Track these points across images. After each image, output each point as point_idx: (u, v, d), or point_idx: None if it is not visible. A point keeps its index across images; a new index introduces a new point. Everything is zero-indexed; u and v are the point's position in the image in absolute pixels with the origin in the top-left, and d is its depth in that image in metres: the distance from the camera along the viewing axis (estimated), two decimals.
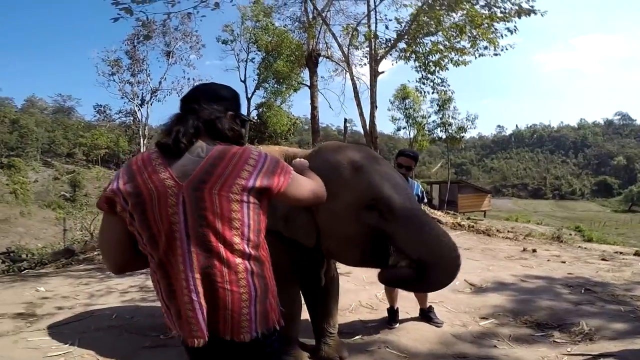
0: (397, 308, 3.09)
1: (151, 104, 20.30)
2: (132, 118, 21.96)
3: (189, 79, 19.42)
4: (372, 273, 4.72)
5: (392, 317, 3.05)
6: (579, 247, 7.07)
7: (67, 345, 2.72)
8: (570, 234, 9.13)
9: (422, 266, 1.58)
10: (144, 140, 19.90)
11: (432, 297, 3.23)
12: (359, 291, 3.92)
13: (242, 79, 21.14)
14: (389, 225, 1.62)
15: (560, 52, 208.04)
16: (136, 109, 20.51)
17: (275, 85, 18.11)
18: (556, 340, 2.68)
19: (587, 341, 2.63)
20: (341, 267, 4.81)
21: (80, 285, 4.63)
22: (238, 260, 0.98)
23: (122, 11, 3.83)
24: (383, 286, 3.16)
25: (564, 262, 5.40)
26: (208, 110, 1.09)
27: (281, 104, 20.45)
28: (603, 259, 5.64)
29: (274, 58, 15.95)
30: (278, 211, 1.69)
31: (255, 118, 21.76)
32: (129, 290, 4.23)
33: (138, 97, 20.34)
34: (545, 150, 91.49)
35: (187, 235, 0.96)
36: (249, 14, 16.57)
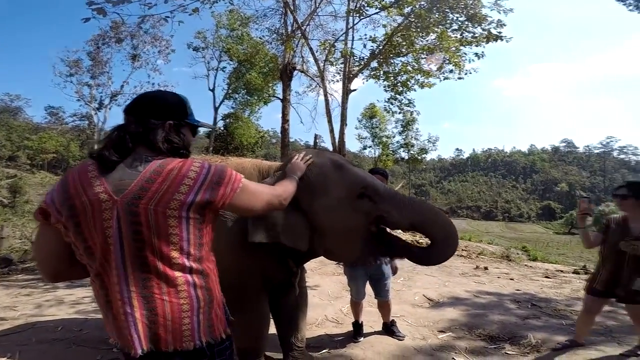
0: (362, 322, 3.15)
1: (110, 109, 19.41)
2: (87, 122, 20.84)
3: (153, 84, 18.88)
4: (338, 288, 4.77)
5: (357, 331, 3.10)
6: (526, 265, 7.58)
7: (5, 358, 2.51)
8: (518, 254, 9.75)
9: (423, 232, 1.81)
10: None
11: (394, 312, 3.35)
12: (326, 306, 3.96)
13: (211, 88, 20.81)
14: (381, 207, 1.78)
15: (518, 79, 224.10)
16: (93, 112, 19.50)
17: (246, 96, 17.89)
18: (507, 352, 2.85)
19: (535, 353, 2.83)
20: (308, 282, 4.82)
21: (21, 296, 4.26)
22: (177, 273, 0.98)
23: (94, 12, 3.68)
24: (348, 301, 3.23)
25: (512, 279, 5.78)
26: (138, 122, 1.07)
27: (250, 115, 20.28)
28: (546, 277, 6.09)
29: (246, 69, 15.81)
30: (271, 219, 1.68)
31: (221, 128, 21.38)
32: (81, 301, 3.96)
33: (96, 100, 19.40)
34: (497, 175, 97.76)
35: (122, 249, 0.96)
36: (224, 22, 16.40)
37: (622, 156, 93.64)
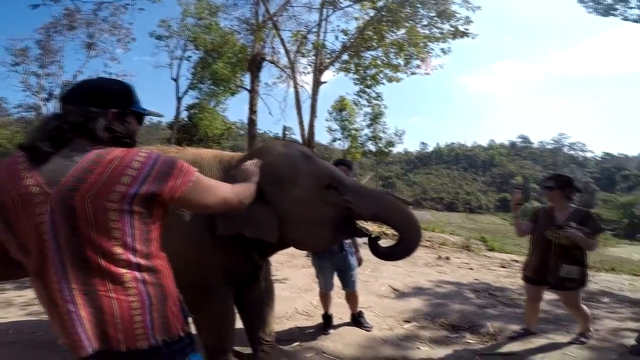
0: (331, 314, 3.21)
1: None
2: (34, 113, 19.31)
3: (110, 73, 17.76)
4: (308, 280, 4.80)
5: (327, 323, 3.16)
6: (484, 255, 8.02)
7: None
8: (477, 244, 10.27)
9: (386, 222, 1.92)
10: None
11: (362, 302, 3.43)
12: (296, 299, 4.00)
13: (174, 78, 19.89)
14: (346, 197, 1.83)
15: (481, 76, 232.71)
16: (41, 103, 18.10)
17: (212, 87, 17.26)
18: (468, 341, 3.02)
19: (493, 341, 3.01)
20: (277, 275, 4.80)
21: None
22: (123, 270, 0.93)
23: None
24: (317, 293, 3.27)
25: (472, 269, 6.11)
26: (76, 111, 0.99)
27: (215, 106, 19.64)
28: (502, 266, 6.49)
29: (213, 59, 15.24)
30: (237, 213, 1.61)
31: (185, 119, 20.58)
32: (32, 302, 3.70)
33: (45, 90, 18.03)
34: (460, 168, 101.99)
35: (59, 246, 0.89)
36: (191, 10, 15.66)
37: (571, 152, 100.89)
